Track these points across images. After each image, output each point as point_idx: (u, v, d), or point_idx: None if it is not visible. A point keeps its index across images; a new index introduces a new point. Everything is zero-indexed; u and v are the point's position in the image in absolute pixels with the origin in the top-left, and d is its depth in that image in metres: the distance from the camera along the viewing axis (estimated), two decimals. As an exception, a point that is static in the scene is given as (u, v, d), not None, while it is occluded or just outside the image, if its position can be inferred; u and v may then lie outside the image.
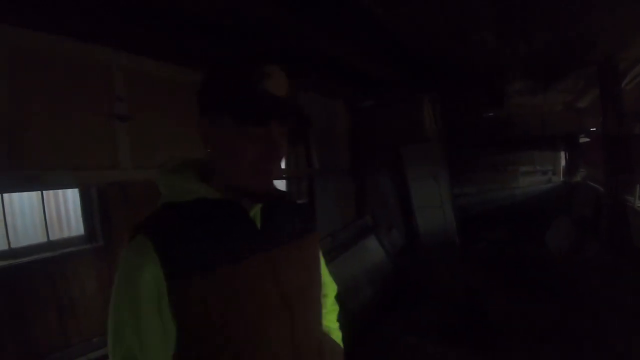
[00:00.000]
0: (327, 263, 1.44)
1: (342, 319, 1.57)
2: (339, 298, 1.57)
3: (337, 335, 1.47)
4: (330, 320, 1.48)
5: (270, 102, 1.04)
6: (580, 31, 4.11)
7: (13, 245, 2.80)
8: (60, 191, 3.31)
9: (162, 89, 3.46)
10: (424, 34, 4.23)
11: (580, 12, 3.64)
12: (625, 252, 5.21)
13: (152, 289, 0.97)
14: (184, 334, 0.99)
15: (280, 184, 6.26)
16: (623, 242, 5.34)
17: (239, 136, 1.04)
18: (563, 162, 10.99)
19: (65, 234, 3.28)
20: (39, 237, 3.05)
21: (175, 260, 0.98)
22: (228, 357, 1.01)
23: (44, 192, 3.07)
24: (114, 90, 3.06)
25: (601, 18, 3.79)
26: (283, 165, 5.42)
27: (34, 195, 3.12)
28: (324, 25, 3.52)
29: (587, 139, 9.67)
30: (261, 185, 1.09)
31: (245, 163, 1.05)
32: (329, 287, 1.49)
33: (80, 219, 3.30)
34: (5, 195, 2.79)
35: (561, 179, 10.89)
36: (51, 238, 3.09)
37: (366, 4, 3.39)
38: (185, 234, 1.02)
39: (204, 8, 3.05)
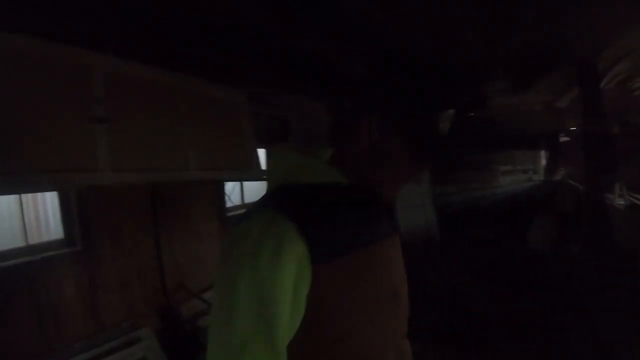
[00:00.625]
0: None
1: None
2: None
3: None
4: None
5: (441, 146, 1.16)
6: (562, 31, 4.13)
7: (-9, 250, 2.76)
8: (39, 194, 3.25)
9: (144, 91, 3.41)
10: (406, 35, 4.23)
11: (562, 12, 3.66)
12: (607, 248, 5.27)
13: (294, 270, 0.90)
14: (311, 319, 0.94)
15: (260, 185, 6.26)
16: (605, 238, 5.39)
17: (403, 154, 1.09)
18: (543, 161, 11.11)
19: (44, 238, 3.22)
20: (17, 241, 3.00)
21: (316, 241, 0.93)
22: (349, 342, 0.99)
23: (22, 195, 3.02)
24: (93, 92, 3.00)
25: (583, 18, 3.82)
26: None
27: (12, 199, 3.06)
28: (305, 25, 3.50)
29: (567, 138, 9.78)
30: (390, 194, 1.15)
31: (393, 174, 1.11)
32: None
33: (59, 223, 3.25)
34: (-17, 199, 2.74)
35: (541, 177, 11.00)
36: (30, 242, 3.04)
37: (349, 4, 3.37)
38: (322, 215, 0.99)
39: (187, 10, 3.00)
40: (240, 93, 4.61)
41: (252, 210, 1.01)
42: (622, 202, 6.23)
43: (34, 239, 3.11)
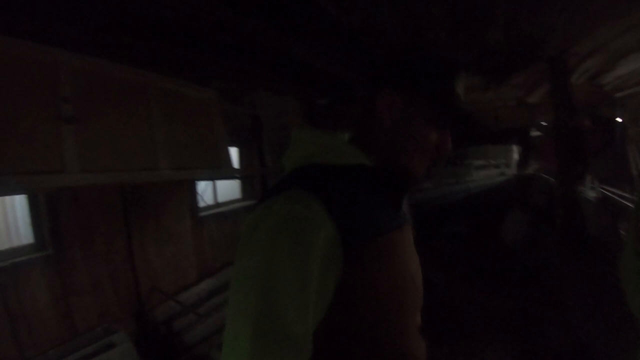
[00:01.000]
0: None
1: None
2: None
3: None
4: None
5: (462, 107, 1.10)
6: (532, 29, 4.19)
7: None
8: (6, 198, 3.17)
9: (113, 89, 3.34)
10: (378, 32, 4.23)
11: (533, 11, 3.71)
12: (579, 239, 5.36)
13: (323, 254, 0.84)
14: (340, 306, 0.89)
15: (233, 184, 6.22)
16: (577, 230, 5.48)
17: (428, 124, 1.05)
18: (515, 156, 11.27)
19: (15, 242, 3.15)
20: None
21: (347, 224, 0.88)
22: (379, 330, 0.94)
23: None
24: (60, 91, 2.93)
25: (553, 17, 3.88)
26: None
27: (-21, 203, 2.99)
28: (278, 24, 3.48)
29: (539, 133, 9.92)
30: (420, 170, 1.09)
31: (422, 146, 1.06)
32: None
33: (29, 227, 3.17)
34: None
35: (514, 172, 11.16)
36: (-1, 248, 2.97)
37: (321, 2, 3.36)
38: (351, 197, 0.95)
39: (158, 7, 2.95)
40: (211, 91, 4.56)
41: (276, 189, 0.94)
42: (594, 195, 6.34)
43: (3, 244, 3.04)
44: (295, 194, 0.89)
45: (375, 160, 1.05)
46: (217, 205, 5.69)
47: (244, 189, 6.35)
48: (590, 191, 6.41)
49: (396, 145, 1.06)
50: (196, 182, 5.01)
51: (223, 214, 5.51)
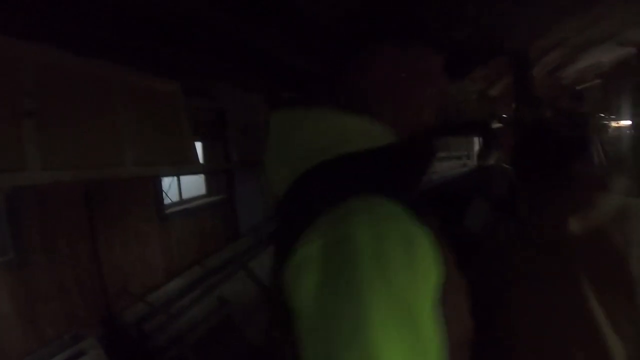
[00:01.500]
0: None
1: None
2: None
3: None
4: None
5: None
6: (495, 24, 4.25)
7: None
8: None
9: (75, 83, 3.22)
10: (344, 23, 4.21)
11: (497, 5, 3.77)
12: (540, 228, 5.49)
13: (436, 272, 0.67)
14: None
15: (199, 179, 6.14)
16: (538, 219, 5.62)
17: (432, 65, 0.91)
18: (477, 147, 11.45)
19: (-28, 248, 3.01)
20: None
21: (432, 226, 0.71)
22: (464, 339, 0.83)
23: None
24: (21, 84, 2.80)
25: (515, 12, 3.95)
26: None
27: None
28: (241, 13, 3.42)
29: (500, 125, 10.10)
30: (433, 121, 0.93)
31: (429, 93, 0.91)
32: None
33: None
34: None
35: (475, 163, 11.34)
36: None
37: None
38: (407, 186, 0.80)
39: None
40: (176, 84, 4.46)
41: (333, 199, 0.70)
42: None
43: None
44: (369, 203, 0.69)
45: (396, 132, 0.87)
46: (182, 202, 5.59)
47: (209, 184, 6.26)
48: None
49: (404, 104, 0.89)
50: (161, 178, 4.90)
51: (188, 211, 5.42)
